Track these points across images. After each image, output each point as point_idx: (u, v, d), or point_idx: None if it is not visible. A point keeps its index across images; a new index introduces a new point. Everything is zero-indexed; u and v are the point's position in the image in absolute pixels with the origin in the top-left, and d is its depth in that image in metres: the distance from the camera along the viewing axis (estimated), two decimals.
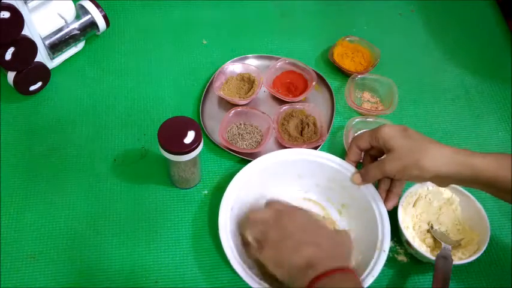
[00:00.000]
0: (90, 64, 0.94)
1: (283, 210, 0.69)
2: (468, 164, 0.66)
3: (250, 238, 0.68)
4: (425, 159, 0.67)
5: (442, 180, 0.69)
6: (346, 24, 1.04)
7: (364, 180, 0.75)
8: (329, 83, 0.93)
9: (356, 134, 0.87)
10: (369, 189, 0.75)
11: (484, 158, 0.66)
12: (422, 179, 0.69)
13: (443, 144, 0.68)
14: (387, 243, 0.71)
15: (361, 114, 0.90)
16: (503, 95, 0.96)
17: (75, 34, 0.90)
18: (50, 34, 0.87)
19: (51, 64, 0.90)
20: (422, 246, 0.75)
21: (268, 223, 0.67)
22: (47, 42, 0.87)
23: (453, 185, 0.76)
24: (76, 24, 0.90)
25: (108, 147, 0.84)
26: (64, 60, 0.93)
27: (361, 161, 0.79)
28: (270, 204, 0.72)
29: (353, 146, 0.76)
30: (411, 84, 0.96)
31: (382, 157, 0.74)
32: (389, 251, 0.71)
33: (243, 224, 0.72)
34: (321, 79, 0.94)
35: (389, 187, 0.75)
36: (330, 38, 1.00)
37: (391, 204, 0.75)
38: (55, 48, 0.88)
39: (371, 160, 0.77)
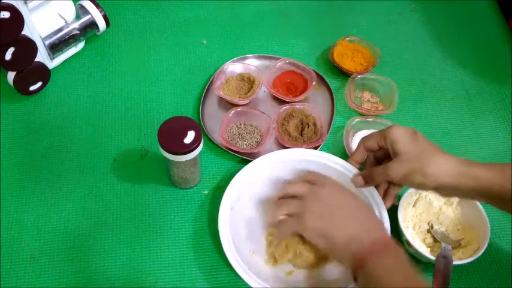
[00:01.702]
0: (90, 64, 0.94)
1: (319, 184, 0.71)
2: (471, 175, 0.65)
3: (282, 216, 0.70)
4: (430, 167, 0.66)
5: (445, 190, 0.68)
6: (346, 24, 1.04)
7: (367, 183, 0.74)
8: (329, 83, 0.93)
9: (357, 133, 0.87)
10: (369, 189, 0.75)
11: (488, 169, 0.65)
12: (425, 187, 0.68)
13: (450, 154, 0.68)
14: None
15: (361, 114, 0.90)
16: (502, 95, 0.96)
17: (75, 34, 0.90)
18: (50, 34, 0.87)
19: (51, 64, 0.90)
20: (422, 246, 0.75)
21: (307, 197, 0.69)
22: (47, 42, 0.87)
23: None
24: (76, 24, 0.90)
25: (108, 147, 0.84)
26: (64, 60, 0.93)
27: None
28: (307, 175, 0.74)
29: (360, 146, 0.75)
30: (411, 84, 0.96)
31: (388, 162, 0.72)
32: None
33: (275, 203, 0.73)
34: (321, 79, 0.94)
35: (387, 187, 0.75)
36: (330, 38, 1.00)
37: (388, 204, 0.74)
38: (55, 48, 0.88)
39: (374, 161, 0.76)
